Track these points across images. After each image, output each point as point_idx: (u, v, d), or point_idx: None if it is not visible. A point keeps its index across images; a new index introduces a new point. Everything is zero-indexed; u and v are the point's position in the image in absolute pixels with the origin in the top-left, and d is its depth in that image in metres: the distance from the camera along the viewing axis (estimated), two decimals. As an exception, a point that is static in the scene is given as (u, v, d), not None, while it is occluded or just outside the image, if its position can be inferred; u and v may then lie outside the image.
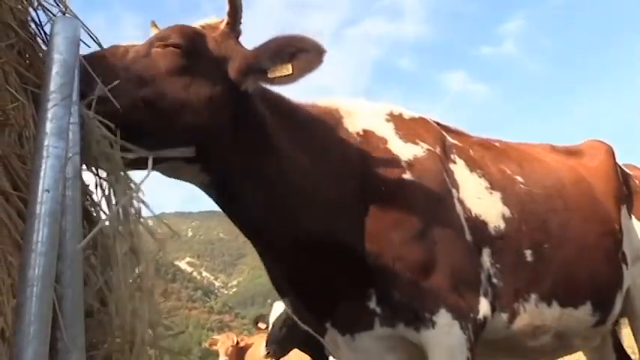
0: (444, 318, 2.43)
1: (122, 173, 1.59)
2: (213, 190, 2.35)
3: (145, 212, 1.64)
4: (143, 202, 1.62)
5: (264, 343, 7.18)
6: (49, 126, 1.38)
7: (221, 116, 2.20)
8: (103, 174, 1.59)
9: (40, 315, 1.25)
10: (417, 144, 2.71)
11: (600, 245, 3.13)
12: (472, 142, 3.05)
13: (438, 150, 2.75)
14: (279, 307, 7.08)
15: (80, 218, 1.45)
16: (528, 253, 2.80)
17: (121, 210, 1.58)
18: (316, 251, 2.42)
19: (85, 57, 1.71)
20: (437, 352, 2.44)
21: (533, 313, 2.77)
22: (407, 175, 2.57)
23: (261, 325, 8.68)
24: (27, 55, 1.53)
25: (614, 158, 3.57)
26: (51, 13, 1.56)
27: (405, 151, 2.66)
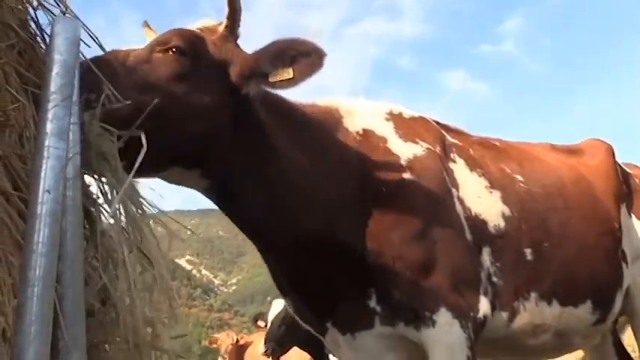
0: (444, 317, 2.43)
1: (121, 172, 1.59)
2: (214, 193, 2.36)
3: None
4: (143, 200, 1.63)
5: (262, 341, 7.19)
6: (49, 126, 1.38)
7: (221, 118, 2.21)
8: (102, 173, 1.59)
9: (41, 315, 1.25)
10: (416, 143, 2.71)
11: (600, 244, 3.13)
12: (472, 141, 3.05)
13: (437, 149, 2.75)
14: (278, 305, 7.10)
15: (81, 218, 1.45)
16: (528, 251, 2.80)
17: (121, 209, 1.58)
18: (316, 251, 2.42)
19: (85, 62, 1.70)
20: (437, 351, 2.44)
21: (534, 312, 2.78)
22: (407, 175, 2.57)
23: (261, 323, 8.71)
24: (27, 56, 1.53)
25: (614, 157, 3.57)
26: (51, 13, 1.56)
27: (405, 150, 2.66)
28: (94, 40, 1.68)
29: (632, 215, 3.48)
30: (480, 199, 2.75)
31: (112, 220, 1.56)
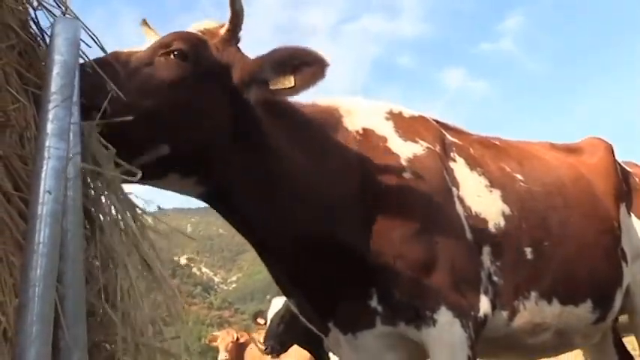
0: (444, 316, 2.43)
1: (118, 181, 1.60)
2: (212, 200, 2.37)
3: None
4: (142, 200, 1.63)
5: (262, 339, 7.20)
6: (50, 127, 1.38)
7: (222, 120, 2.21)
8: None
9: (42, 315, 1.26)
10: (416, 142, 2.71)
11: (600, 243, 3.13)
12: (472, 140, 3.05)
13: (437, 148, 2.75)
14: (277, 303, 7.10)
15: (81, 218, 1.45)
16: (528, 250, 2.80)
17: (121, 208, 1.59)
18: (316, 251, 2.42)
19: (87, 64, 1.70)
20: (438, 350, 2.45)
21: (534, 311, 2.78)
22: (407, 174, 2.57)
23: (260, 321, 8.70)
24: (28, 57, 1.53)
25: (614, 155, 3.57)
26: (51, 14, 1.56)
27: (405, 149, 2.66)
28: (95, 40, 1.67)
29: (632, 214, 3.48)
30: (480, 198, 2.75)
31: (111, 220, 1.56)
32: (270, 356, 7.28)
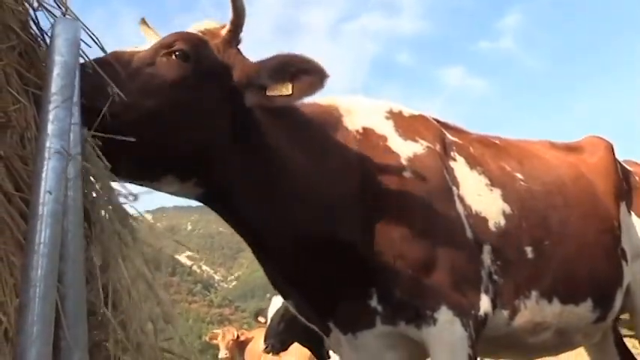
0: (445, 315, 2.44)
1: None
2: (210, 201, 2.37)
3: (145, 208, 1.66)
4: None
5: (263, 338, 7.20)
6: (50, 127, 1.38)
7: (222, 121, 2.22)
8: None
9: (43, 315, 1.26)
10: (416, 141, 2.71)
11: (600, 242, 3.13)
12: (472, 139, 3.05)
13: (437, 147, 2.75)
14: (277, 302, 7.10)
15: (82, 218, 1.46)
16: (529, 249, 2.81)
17: (120, 208, 1.59)
18: (316, 251, 2.42)
19: (88, 64, 1.70)
20: (438, 349, 2.45)
21: (534, 310, 2.78)
22: (407, 173, 2.57)
23: (261, 319, 8.71)
24: (28, 57, 1.53)
25: (614, 154, 3.57)
26: (52, 14, 1.56)
27: (405, 148, 2.66)
28: (95, 40, 1.67)
29: (632, 213, 3.48)
30: (480, 197, 2.75)
31: (111, 219, 1.57)
32: (270, 354, 7.28)
